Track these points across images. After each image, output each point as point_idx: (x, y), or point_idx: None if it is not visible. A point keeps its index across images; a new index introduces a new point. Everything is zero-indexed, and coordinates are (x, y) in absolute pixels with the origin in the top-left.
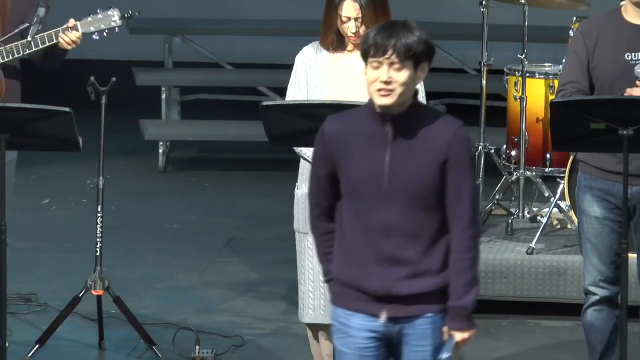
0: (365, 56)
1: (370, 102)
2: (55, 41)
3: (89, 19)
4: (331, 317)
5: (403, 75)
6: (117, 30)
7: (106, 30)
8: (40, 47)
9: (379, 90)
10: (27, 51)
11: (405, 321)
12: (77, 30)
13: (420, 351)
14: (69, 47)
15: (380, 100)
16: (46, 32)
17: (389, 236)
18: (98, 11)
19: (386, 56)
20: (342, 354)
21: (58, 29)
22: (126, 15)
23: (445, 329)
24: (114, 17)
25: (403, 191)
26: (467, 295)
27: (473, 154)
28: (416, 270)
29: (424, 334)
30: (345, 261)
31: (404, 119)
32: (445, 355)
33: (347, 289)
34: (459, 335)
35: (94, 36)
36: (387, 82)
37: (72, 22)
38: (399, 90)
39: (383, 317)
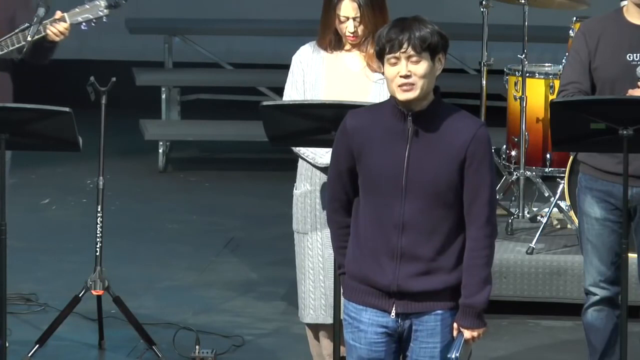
0: (381, 55)
1: (392, 99)
2: (43, 34)
3: (76, 9)
4: (343, 311)
5: (422, 67)
6: (104, 20)
7: (94, 20)
8: (30, 40)
9: (401, 85)
10: (16, 45)
11: (414, 317)
12: (65, 21)
13: (429, 348)
14: (57, 39)
15: (403, 96)
16: (32, 26)
17: (405, 232)
18: (85, 1)
19: (402, 50)
20: (352, 348)
21: (45, 21)
22: (112, 4)
23: (455, 325)
24: (101, 6)
25: (421, 188)
26: (479, 293)
27: (493, 153)
28: (429, 267)
29: (434, 330)
30: (358, 256)
31: (425, 115)
32: (454, 354)
33: (358, 283)
34: (468, 333)
35: (82, 26)
36: (407, 76)
37: (59, 13)
38: (419, 83)
39: (393, 313)
